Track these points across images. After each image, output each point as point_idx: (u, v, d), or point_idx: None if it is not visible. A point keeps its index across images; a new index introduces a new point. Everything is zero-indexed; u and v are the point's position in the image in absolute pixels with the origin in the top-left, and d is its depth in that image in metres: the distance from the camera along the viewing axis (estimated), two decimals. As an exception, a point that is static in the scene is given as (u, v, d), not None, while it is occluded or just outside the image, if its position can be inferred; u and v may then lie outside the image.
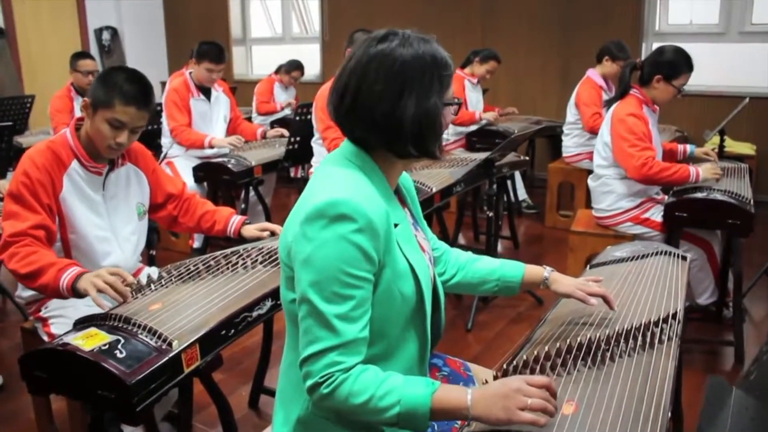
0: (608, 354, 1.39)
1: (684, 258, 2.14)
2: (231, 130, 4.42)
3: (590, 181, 3.19)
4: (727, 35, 5.38)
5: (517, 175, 5.09)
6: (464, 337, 3.14)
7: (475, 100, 5.11)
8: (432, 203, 3.01)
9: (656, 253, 2.15)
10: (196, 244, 4.19)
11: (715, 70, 5.42)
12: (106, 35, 8.02)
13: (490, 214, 3.27)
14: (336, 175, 1.23)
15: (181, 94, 4.05)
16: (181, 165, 4.07)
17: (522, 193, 5.18)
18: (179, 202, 2.29)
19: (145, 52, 8.29)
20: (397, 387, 1.14)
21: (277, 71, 6.39)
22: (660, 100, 2.98)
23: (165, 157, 4.21)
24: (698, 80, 5.03)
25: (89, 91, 1.97)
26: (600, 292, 1.53)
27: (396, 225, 1.24)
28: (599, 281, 1.61)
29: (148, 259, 3.18)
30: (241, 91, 6.51)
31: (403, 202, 1.40)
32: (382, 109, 1.20)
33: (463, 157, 3.54)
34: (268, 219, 4.27)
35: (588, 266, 2.14)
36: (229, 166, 3.72)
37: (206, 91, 4.17)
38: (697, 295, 3.08)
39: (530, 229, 4.89)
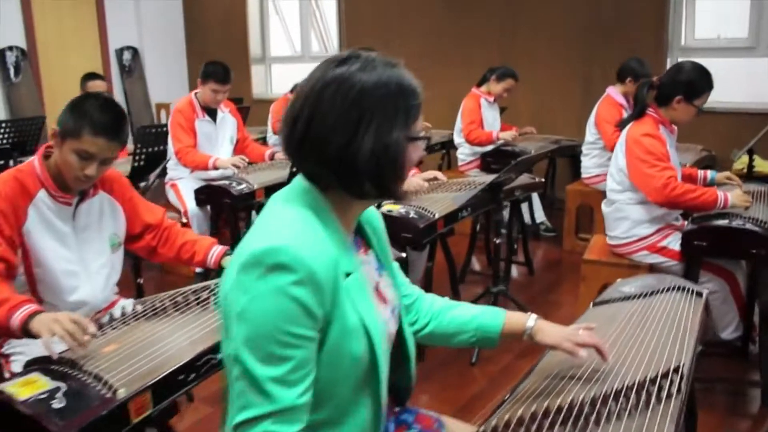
0: (597, 416, 1.22)
1: (699, 295, 1.95)
2: (239, 152, 4.32)
3: (604, 207, 3.01)
4: (758, 50, 5.14)
5: (535, 196, 4.91)
6: (469, 371, 2.96)
7: (491, 119, 4.95)
8: (434, 230, 2.85)
9: (668, 289, 1.97)
10: (199, 269, 4.08)
11: (744, 86, 5.18)
12: (126, 55, 8.05)
13: (498, 241, 3.10)
14: (281, 216, 1.09)
15: (186, 115, 3.97)
16: (185, 187, 3.98)
17: (540, 216, 4.99)
18: (158, 231, 2.17)
19: (166, 73, 8.31)
20: None
21: (292, 90, 6.31)
22: (679, 120, 2.79)
23: (170, 179, 4.14)
24: (726, 97, 4.82)
25: (58, 118, 1.87)
26: (591, 343, 1.36)
27: (348, 274, 1.09)
28: (591, 329, 1.43)
29: (136, 288, 3.09)
30: (260, 110, 6.44)
31: (366, 244, 1.26)
32: (336, 142, 1.06)
33: (471, 180, 3.38)
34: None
35: (591, 304, 1.96)
36: (230, 189, 3.61)
37: (212, 113, 4.08)
38: (720, 329, 2.85)
39: (548, 254, 4.69)
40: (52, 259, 1.90)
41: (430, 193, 3.20)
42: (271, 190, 3.76)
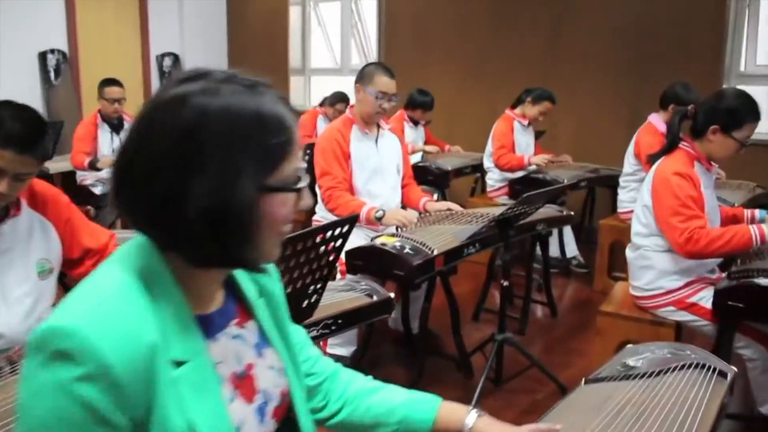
0: None
1: (724, 375, 1.59)
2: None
3: (628, 252, 2.63)
4: (827, 78, 4.65)
5: (567, 229, 4.52)
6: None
7: (524, 143, 4.61)
8: (432, 268, 2.54)
9: (685, 366, 1.61)
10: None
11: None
12: (167, 61, 8.01)
13: (505, 283, 2.77)
14: (96, 281, 0.82)
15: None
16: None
17: (572, 250, 4.59)
18: (101, 257, 1.94)
19: (207, 79, 8.24)
20: None
21: (321, 104, 6.10)
22: (717, 155, 2.41)
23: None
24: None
25: None
26: None
27: (179, 363, 0.81)
28: (555, 431, 1.11)
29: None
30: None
31: (245, 312, 0.97)
32: (160, 189, 0.79)
33: (486, 212, 3.04)
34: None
35: (583, 381, 1.62)
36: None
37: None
38: (758, 403, 2.44)
39: (577, 293, 4.30)
40: None
41: (435, 225, 2.89)
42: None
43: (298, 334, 1.11)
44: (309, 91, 8.10)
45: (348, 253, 2.70)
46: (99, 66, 7.45)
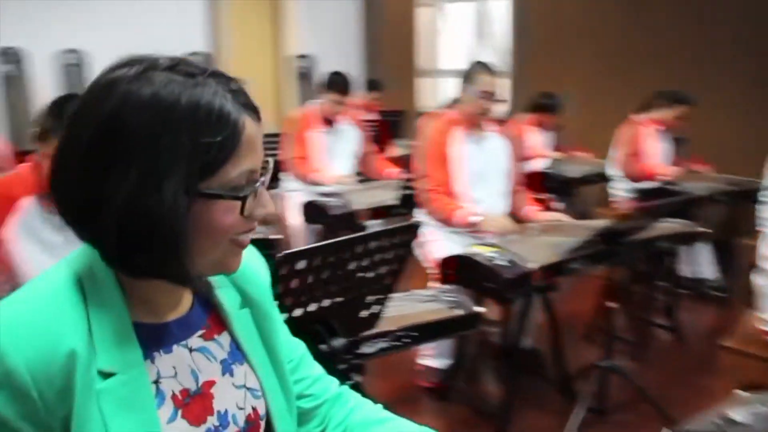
0: None
1: None
2: (363, 166, 4.08)
3: (755, 278, 2.28)
4: None
5: (704, 247, 4.06)
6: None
7: (656, 150, 4.20)
8: (527, 283, 2.34)
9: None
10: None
11: None
12: (303, 63, 8.23)
13: (613, 305, 2.50)
14: (35, 281, 0.75)
15: (302, 125, 3.81)
16: (292, 202, 3.81)
17: (708, 271, 4.12)
18: None
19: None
20: None
21: (448, 105, 5.98)
22: None
23: (283, 189, 4.00)
24: None
25: None
26: None
27: (108, 375, 0.71)
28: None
29: None
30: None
31: (219, 322, 0.87)
32: (80, 189, 0.72)
33: (600, 224, 2.76)
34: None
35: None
36: (329, 207, 3.35)
37: (333, 124, 3.87)
38: None
39: (710, 320, 3.85)
40: None
41: (540, 237, 2.67)
42: (377, 212, 3.45)
43: (294, 350, 0.99)
44: (437, 93, 8.00)
45: (443, 261, 2.56)
46: (236, 67, 7.79)
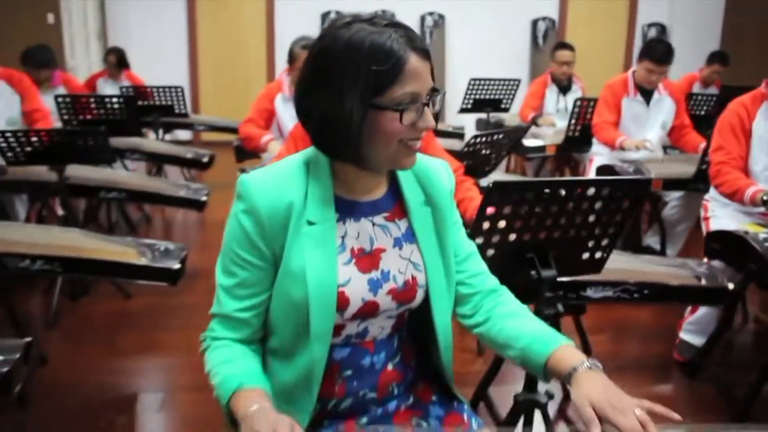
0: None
1: None
2: (675, 139, 4.00)
3: None
4: None
5: None
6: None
7: None
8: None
9: None
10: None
11: None
12: (652, 31, 7.93)
13: None
14: (284, 160, 1.18)
15: (614, 91, 3.86)
16: (593, 165, 3.93)
17: None
18: None
19: (694, 53, 7.86)
20: (222, 374, 1.11)
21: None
22: None
23: (592, 153, 4.13)
24: None
25: None
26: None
27: (312, 223, 1.11)
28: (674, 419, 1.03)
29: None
30: None
31: (402, 211, 1.21)
32: (305, 101, 1.11)
33: None
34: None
35: None
36: (621, 172, 3.41)
37: (647, 93, 3.85)
38: None
39: None
40: None
41: None
42: (671, 183, 3.41)
43: (464, 247, 1.27)
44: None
45: (711, 234, 2.53)
46: (584, 33, 7.86)
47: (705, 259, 2.53)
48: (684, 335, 2.82)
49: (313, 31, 7.44)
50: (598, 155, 4.00)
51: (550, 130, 4.74)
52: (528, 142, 4.55)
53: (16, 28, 5.36)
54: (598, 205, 1.72)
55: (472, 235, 1.64)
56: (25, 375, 1.62)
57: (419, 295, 1.21)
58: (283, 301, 1.13)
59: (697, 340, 2.77)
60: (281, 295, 1.13)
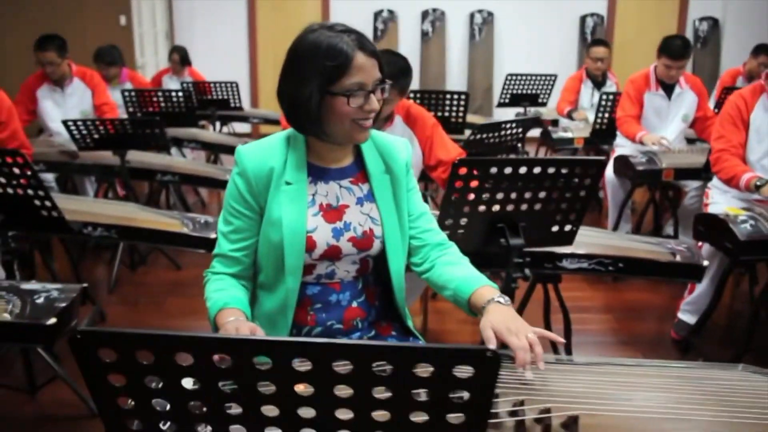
0: None
1: None
2: (699, 130, 4.13)
3: None
4: None
5: None
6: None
7: None
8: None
9: None
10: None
11: None
12: (704, 25, 7.89)
13: None
14: (271, 135, 1.51)
15: (636, 85, 4.02)
16: (614, 156, 4.10)
17: None
18: (447, 168, 2.62)
19: (744, 48, 7.79)
20: (213, 298, 1.43)
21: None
22: None
23: (615, 145, 4.30)
24: None
25: None
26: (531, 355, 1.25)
27: (288, 183, 1.43)
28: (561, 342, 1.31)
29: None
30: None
31: (364, 177, 1.51)
32: (280, 88, 1.42)
33: None
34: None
35: None
36: (634, 162, 3.60)
37: (668, 88, 4.00)
38: None
39: None
40: None
41: None
42: (681, 172, 3.58)
43: (417, 208, 1.56)
44: None
45: (697, 217, 2.72)
46: (633, 28, 7.92)
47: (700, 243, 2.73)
48: (681, 315, 3.01)
49: (368, 28, 7.79)
50: (621, 147, 4.17)
51: (582, 124, 4.91)
52: (557, 134, 4.75)
53: (92, 29, 5.90)
54: (560, 182, 1.97)
55: (444, 205, 1.93)
56: (78, 314, 2.01)
57: (376, 245, 1.51)
58: (266, 243, 1.45)
59: (692, 320, 2.95)
60: (264, 239, 1.46)
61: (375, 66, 1.38)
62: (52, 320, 1.87)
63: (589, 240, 2.41)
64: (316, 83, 1.34)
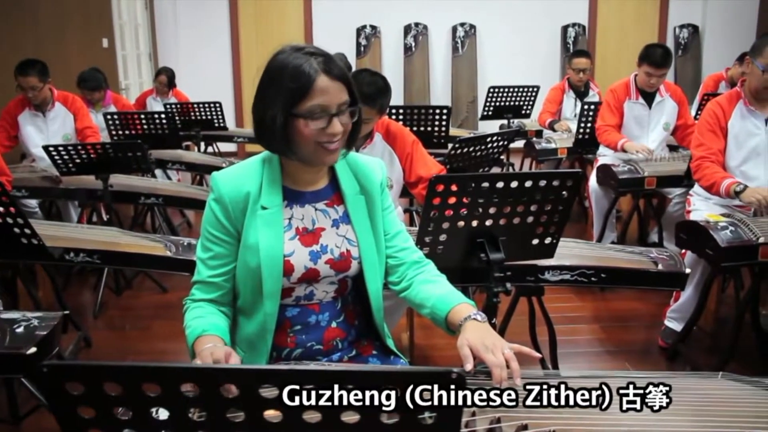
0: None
1: None
2: (680, 138, 4.16)
3: None
4: None
5: None
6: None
7: None
8: (751, 257, 2.41)
9: None
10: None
11: None
12: (684, 32, 7.99)
13: None
14: (247, 159, 1.50)
15: (616, 94, 4.05)
16: (596, 165, 4.13)
17: None
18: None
19: (725, 54, 7.89)
20: (191, 326, 1.41)
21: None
22: None
23: (598, 154, 4.33)
24: None
25: None
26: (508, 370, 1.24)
27: (264, 208, 1.43)
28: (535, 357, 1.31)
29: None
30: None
31: (339, 199, 1.51)
32: (253, 108, 1.42)
33: None
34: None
35: None
36: (616, 170, 3.62)
37: (649, 96, 4.03)
38: None
39: None
40: None
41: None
42: (664, 180, 3.61)
43: (393, 227, 1.56)
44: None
45: (678, 224, 2.73)
46: (615, 38, 8.01)
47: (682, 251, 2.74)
48: (668, 322, 3.02)
49: (350, 46, 7.82)
50: (603, 156, 4.19)
51: (565, 134, 4.95)
52: (540, 145, 4.78)
53: (75, 51, 5.90)
54: (538, 196, 1.98)
55: (423, 222, 1.93)
56: (59, 341, 1.99)
57: (354, 266, 1.51)
58: (243, 268, 1.45)
59: (679, 327, 2.96)
60: (242, 264, 1.45)
61: (341, 89, 1.37)
62: (32, 349, 1.85)
63: (571, 252, 2.42)
64: (281, 104, 1.34)
